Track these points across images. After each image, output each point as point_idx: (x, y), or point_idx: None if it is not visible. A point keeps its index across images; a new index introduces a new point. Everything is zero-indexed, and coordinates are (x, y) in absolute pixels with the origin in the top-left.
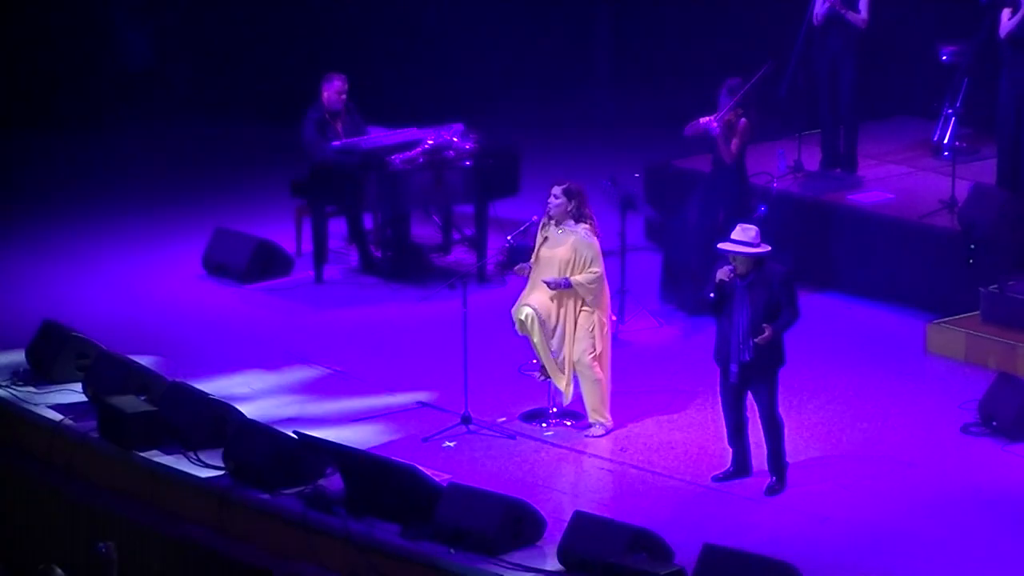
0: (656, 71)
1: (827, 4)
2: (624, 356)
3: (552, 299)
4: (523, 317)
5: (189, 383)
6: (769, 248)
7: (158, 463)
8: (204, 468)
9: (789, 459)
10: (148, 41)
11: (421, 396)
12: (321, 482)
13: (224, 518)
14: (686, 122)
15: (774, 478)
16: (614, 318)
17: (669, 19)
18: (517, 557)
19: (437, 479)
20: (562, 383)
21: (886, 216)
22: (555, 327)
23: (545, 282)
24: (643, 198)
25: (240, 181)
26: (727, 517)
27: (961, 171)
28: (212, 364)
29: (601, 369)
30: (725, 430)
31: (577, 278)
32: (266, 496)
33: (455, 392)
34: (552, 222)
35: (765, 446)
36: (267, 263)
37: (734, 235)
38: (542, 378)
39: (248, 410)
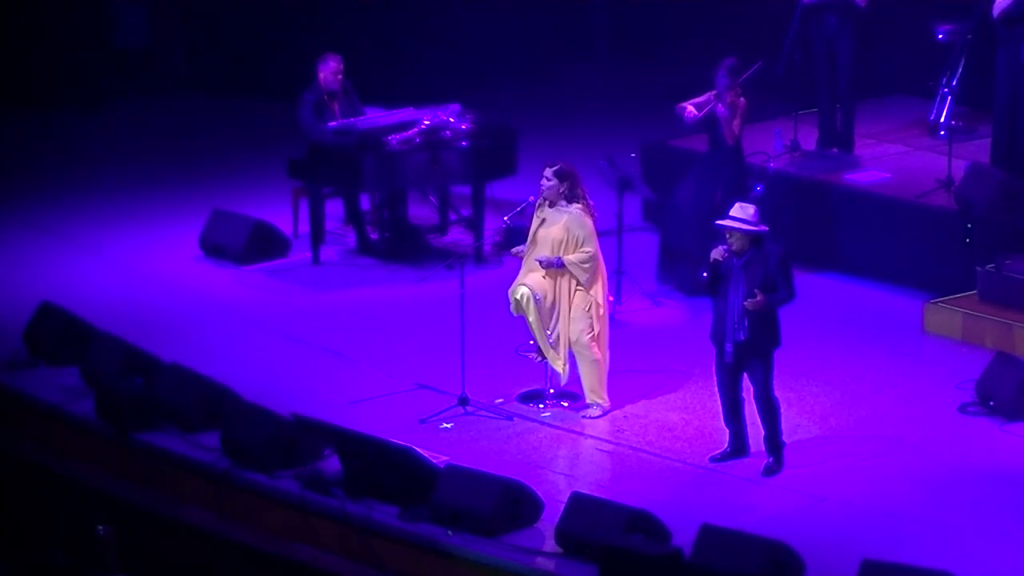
0: (653, 50)
1: None
2: (621, 337)
3: (547, 279)
4: (519, 297)
5: (186, 365)
6: (767, 228)
7: (155, 445)
8: (201, 450)
9: (786, 439)
10: (144, 19)
11: (418, 377)
12: (319, 464)
13: (222, 500)
14: (683, 101)
15: (771, 458)
16: (611, 299)
17: None
18: (515, 538)
19: (435, 460)
20: (559, 364)
21: (883, 196)
22: (551, 307)
23: (538, 260)
24: (640, 178)
25: (237, 162)
26: (724, 498)
27: (958, 150)
28: (209, 346)
29: (599, 349)
30: (721, 410)
31: (570, 257)
32: (263, 478)
33: (452, 373)
34: (546, 204)
35: (762, 427)
36: (264, 244)
37: (732, 212)
38: (539, 359)
39: (245, 392)
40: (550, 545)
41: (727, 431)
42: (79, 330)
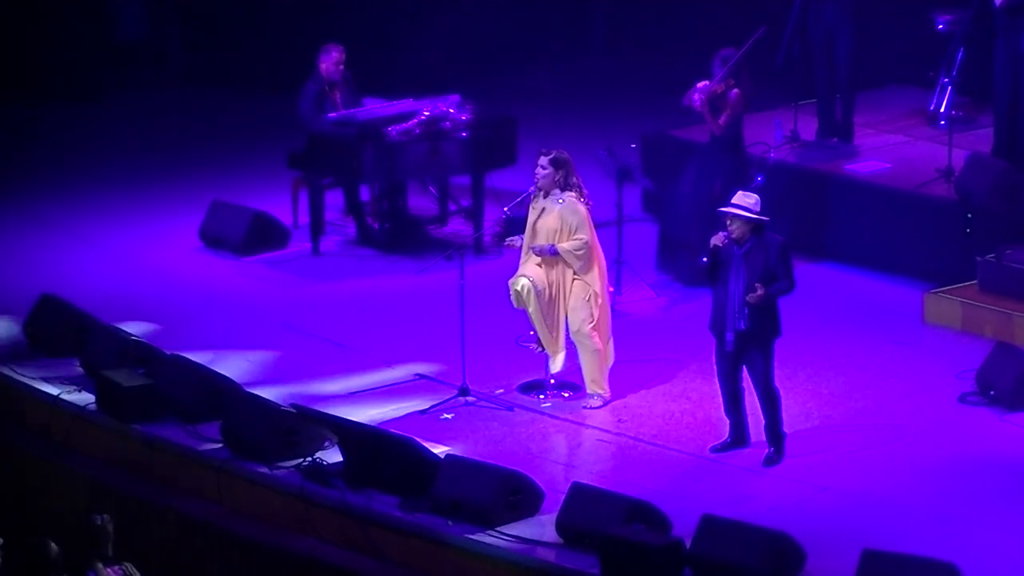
0: (652, 39)
1: None
2: (621, 327)
3: (545, 268)
4: (519, 288)
5: (187, 356)
6: (767, 218)
7: (156, 436)
8: (202, 441)
9: (787, 429)
10: (143, 12)
11: (418, 368)
12: (319, 455)
13: (222, 491)
14: (683, 91)
15: (772, 448)
16: (611, 289)
17: None
18: (515, 529)
19: (435, 451)
20: (558, 356)
21: (883, 186)
22: (550, 297)
23: (532, 248)
24: (639, 168)
25: (236, 153)
26: (725, 488)
27: (958, 140)
28: (210, 337)
29: (600, 339)
30: (722, 400)
31: (563, 245)
32: (264, 469)
33: (453, 364)
34: (541, 193)
35: (762, 417)
36: (264, 235)
37: (735, 199)
38: (539, 350)
39: (246, 383)
40: (550, 535)
41: (727, 421)
42: (80, 322)
